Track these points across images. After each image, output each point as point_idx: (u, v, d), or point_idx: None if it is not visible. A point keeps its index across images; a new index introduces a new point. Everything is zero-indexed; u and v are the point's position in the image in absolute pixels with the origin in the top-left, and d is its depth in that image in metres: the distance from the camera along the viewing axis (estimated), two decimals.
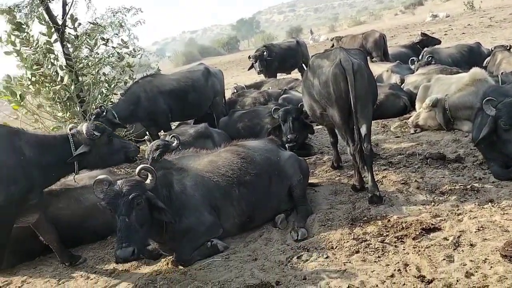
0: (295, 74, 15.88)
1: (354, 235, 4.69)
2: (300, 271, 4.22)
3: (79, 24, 9.12)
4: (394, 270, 3.96)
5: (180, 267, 4.68)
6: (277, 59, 14.50)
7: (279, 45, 15.47)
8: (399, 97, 9.36)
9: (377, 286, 3.79)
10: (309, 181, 6.14)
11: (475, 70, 7.49)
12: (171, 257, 4.87)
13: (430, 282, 3.72)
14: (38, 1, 8.80)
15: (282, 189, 5.45)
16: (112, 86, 9.55)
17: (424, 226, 4.58)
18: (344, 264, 4.21)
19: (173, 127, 9.36)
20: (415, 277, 3.80)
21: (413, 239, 4.41)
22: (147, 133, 9.22)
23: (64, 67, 8.70)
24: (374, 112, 6.12)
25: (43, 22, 8.74)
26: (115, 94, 9.71)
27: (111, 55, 9.54)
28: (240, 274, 4.33)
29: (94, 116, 7.92)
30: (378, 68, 11.19)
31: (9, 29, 8.34)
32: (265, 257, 4.59)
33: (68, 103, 8.69)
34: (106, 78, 9.51)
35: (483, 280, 3.63)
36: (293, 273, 4.19)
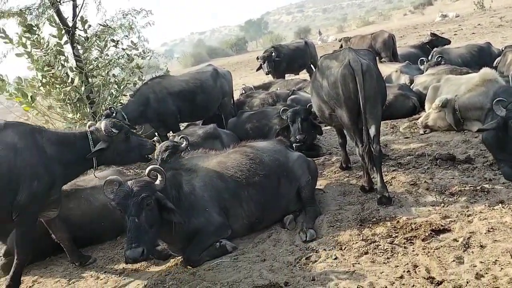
0: (304, 74, 15.87)
1: (363, 236, 4.68)
2: (309, 272, 4.22)
3: (89, 26, 9.21)
4: (403, 271, 3.94)
5: (189, 267, 4.70)
6: (286, 60, 14.50)
7: (287, 46, 15.48)
8: (408, 98, 9.31)
9: (386, 287, 3.78)
10: (317, 183, 6.14)
11: (485, 71, 7.41)
12: (180, 257, 4.90)
13: (439, 283, 3.70)
14: (49, 4, 8.89)
15: (291, 190, 5.45)
16: (122, 87, 9.62)
17: (433, 227, 4.56)
18: (353, 265, 4.20)
19: (181, 128, 9.39)
20: (425, 278, 3.79)
21: (423, 240, 4.39)
22: (156, 134, 9.28)
23: (74, 69, 8.78)
24: (383, 113, 6.09)
25: (54, 24, 8.84)
26: (124, 95, 9.79)
27: (120, 57, 9.60)
28: (248, 274, 4.34)
29: (104, 117, 7.98)
30: (387, 69, 11.14)
31: (20, 31, 8.44)
32: (273, 258, 4.59)
33: (78, 104, 8.77)
34: (116, 80, 9.59)
35: (493, 281, 3.61)
36: (302, 274, 4.19)
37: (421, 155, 6.82)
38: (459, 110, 7.29)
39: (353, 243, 4.59)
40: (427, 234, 4.46)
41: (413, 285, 3.73)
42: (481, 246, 4.12)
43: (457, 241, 4.28)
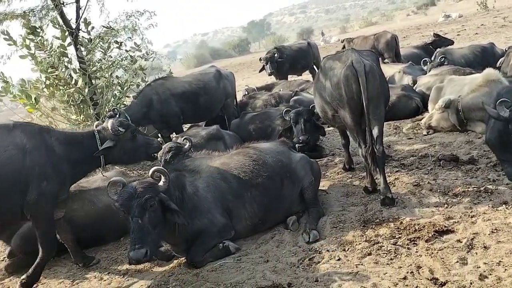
0: (306, 75, 15.87)
1: (366, 237, 4.68)
2: (312, 273, 4.23)
3: (93, 27, 9.24)
4: (407, 272, 3.94)
5: (193, 268, 4.71)
6: (288, 60, 14.49)
7: (290, 47, 15.48)
8: (412, 98, 9.30)
9: None
10: (320, 184, 6.14)
11: (489, 71, 7.41)
12: (183, 258, 4.91)
13: (443, 284, 3.70)
14: (52, 6, 8.93)
15: (294, 191, 5.45)
16: (125, 89, 9.65)
17: (437, 228, 4.55)
18: (356, 266, 4.20)
19: (184, 129, 9.41)
20: (428, 279, 3.78)
21: (426, 241, 4.39)
22: (160, 135, 9.29)
23: (77, 70, 8.82)
24: (386, 114, 6.09)
25: (57, 26, 8.87)
26: (127, 96, 9.81)
27: (124, 59, 9.63)
28: (252, 275, 4.34)
29: (107, 118, 8.00)
30: (390, 69, 11.13)
31: (24, 33, 8.48)
32: (277, 259, 4.60)
33: (81, 106, 8.80)
34: (119, 81, 9.62)
35: (497, 282, 3.60)
36: (305, 275, 4.20)
37: (424, 156, 6.81)
38: (462, 110, 7.28)
39: (356, 244, 4.58)
40: (430, 235, 4.46)
41: (417, 286, 3.73)
42: (485, 247, 4.11)
43: (461, 242, 4.27)
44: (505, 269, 3.74)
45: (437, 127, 7.82)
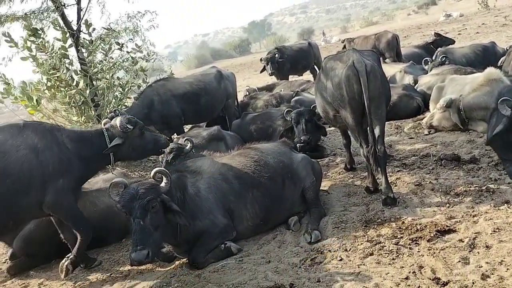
0: (307, 75, 15.87)
1: (368, 237, 4.67)
2: (314, 273, 4.22)
3: (94, 29, 9.25)
4: (409, 272, 3.93)
5: (194, 269, 4.71)
6: (289, 61, 14.50)
7: (290, 47, 15.49)
8: (413, 98, 9.30)
9: None
10: (321, 184, 6.13)
11: (490, 70, 7.38)
12: (185, 259, 4.91)
13: (445, 284, 3.69)
14: (53, 7, 8.94)
15: (295, 192, 5.45)
16: (126, 90, 9.66)
17: (439, 228, 4.55)
18: (358, 267, 4.19)
19: (186, 130, 9.42)
20: (430, 279, 3.78)
21: (428, 241, 4.38)
22: None
23: (79, 72, 8.83)
24: (388, 113, 6.09)
25: (58, 28, 8.89)
26: (129, 98, 9.83)
27: (125, 60, 9.65)
28: (253, 276, 4.34)
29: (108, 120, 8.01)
30: (391, 69, 11.13)
31: (25, 35, 8.50)
32: (278, 260, 4.59)
33: (83, 107, 8.81)
34: (120, 82, 9.63)
35: (499, 282, 3.59)
36: (307, 276, 4.19)
37: (426, 156, 6.80)
38: (464, 110, 7.26)
39: (358, 244, 4.58)
40: (432, 235, 4.45)
41: (419, 286, 3.72)
42: (487, 246, 4.11)
43: (463, 241, 4.26)
44: (507, 269, 3.73)
45: (438, 126, 7.81)
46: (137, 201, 4.28)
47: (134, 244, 4.18)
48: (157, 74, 10.69)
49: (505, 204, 4.85)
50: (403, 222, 4.84)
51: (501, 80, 7.01)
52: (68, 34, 8.81)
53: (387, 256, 4.26)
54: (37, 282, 5.26)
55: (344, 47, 15.35)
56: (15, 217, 4.78)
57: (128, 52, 9.67)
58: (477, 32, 21.80)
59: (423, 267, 3.98)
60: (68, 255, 5.08)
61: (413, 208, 5.20)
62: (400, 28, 32.36)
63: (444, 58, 10.79)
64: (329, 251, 4.58)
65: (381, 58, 7.70)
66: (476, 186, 5.43)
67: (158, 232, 4.38)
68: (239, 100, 11.04)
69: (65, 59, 8.68)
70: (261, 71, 15.08)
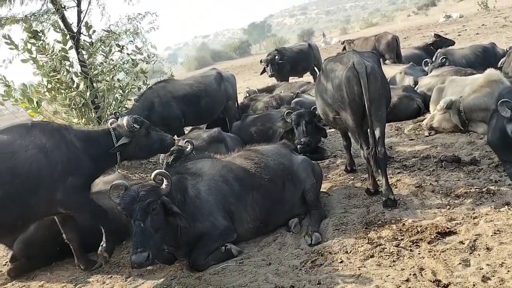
0: (307, 77, 15.87)
1: (368, 239, 4.67)
2: (315, 275, 4.22)
3: (94, 31, 9.25)
4: (410, 274, 3.93)
5: (195, 271, 4.70)
6: (289, 62, 14.49)
7: (290, 49, 15.48)
8: (413, 99, 9.30)
9: None
10: (322, 186, 6.13)
11: (490, 71, 7.40)
12: (185, 261, 4.91)
13: (446, 286, 3.69)
14: (54, 10, 8.95)
15: (296, 194, 5.45)
16: (126, 92, 9.66)
17: (439, 230, 4.55)
18: (359, 269, 4.19)
19: (186, 132, 9.42)
20: (431, 281, 3.78)
21: (429, 243, 4.38)
22: None
23: (79, 74, 8.83)
24: (388, 115, 6.09)
25: (58, 30, 8.89)
26: (129, 100, 9.82)
27: (125, 62, 9.65)
28: (254, 278, 4.34)
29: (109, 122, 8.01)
30: (391, 70, 11.13)
31: (25, 37, 8.50)
32: (279, 262, 4.59)
33: (83, 109, 8.81)
34: (120, 84, 9.63)
35: (500, 284, 3.59)
36: (308, 278, 4.19)
37: (426, 157, 6.80)
38: (464, 111, 7.27)
39: (358, 246, 4.58)
40: (433, 237, 4.45)
41: None
42: (488, 248, 4.11)
43: (463, 243, 4.26)
44: (508, 271, 3.73)
45: (438, 128, 7.81)
46: (138, 203, 4.28)
47: (135, 247, 4.17)
48: (157, 76, 10.68)
49: (506, 206, 4.84)
50: (404, 224, 4.84)
51: (501, 81, 7.01)
52: (68, 36, 8.81)
53: (388, 258, 4.26)
54: (38, 285, 5.25)
55: (344, 48, 15.36)
56: (24, 217, 4.79)
57: (128, 54, 9.67)
58: (477, 33, 21.80)
59: (424, 269, 3.98)
60: (101, 243, 5.16)
61: (414, 210, 5.20)
62: (400, 29, 32.36)
63: (444, 59, 10.80)
64: (330, 253, 4.58)
65: (381, 60, 7.71)
66: (476, 188, 5.43)
67: (159, 234, 4.37)
68: (239, 101, 11.03)
69: (66, 61, 8.68)
70: (261, 73, 15.08)
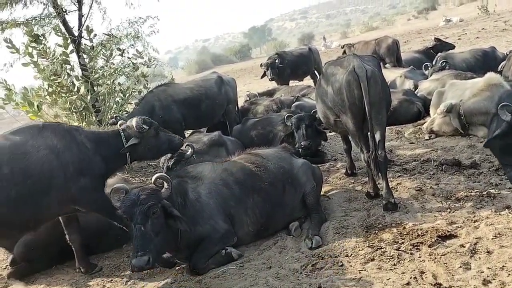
0: (308, 81, 15.89)
1: (369, 242, 4.67)
2: (315, 279, 4.21)
3: (95, 35, 9.28)
4: (410, 278, 3.93)
5: (195, 275, 4.70)
6: (290, 66, 14.53)
7: (291, 52, 15.52)
8: (413, 103, 9.31)
9: None
10: (322, 189, 6.13)
11: (490, 75, 7.39)
12: (186, 265, 4.90)
13: None
14: (55, 14, 8.98)
15: (296, 197, 5.45)
16: (127, 95, 9.68)
17: (440, 233, 4.55)
18: (359, 272, 4.19)
19: (186, 136, 9.42)
20: (432, 285, 3.77)
21: (429, 246, 4.38)
22: None
23: (80, 78, 8.85)
24: (388, 118, 6.10)
25: (60, 34, 8.91)
26: (129, 103, 9.84)
27: (126, 65, 9.67)
28: (254, 282, 4.33)
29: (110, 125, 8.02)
30: (391, 74, 11.14)
31: (26, 41, 8.52)
32: (279, 265, 4.59)
33: (84, 113, 8.82)
34: (121, 88, 9.65)
35: (501, 287, 3.58)
36: (308, 281, 4.18)
37: (426, 161, 6.80)
38: (464, 115, 7.26)
39: (359, 250, 4.57)
40: (433, 240, 4.44)
41: None
42: (488, 252, 4.10)
43: (464, 247, 4.26)
44: (509, 274, 3.72)
45: (439, 131, 7.81)
46: (138, 207, 4.29)
47: (135, 250, 4.18)
48: (158, 80, 10.72)
49: (506, 209, 4.85)
50: (404, 228, 4.84)
51: (501, 85, 7.01)
52: (69, 40, 8.83)
53: (388, 262, 4.26)
54: None
55: (344, 52, 15.38)
56: (36, 217, 4.84)
57: (129, 58, 9.70)
58: (477, 37, 21.84)
59: (424, 272, 3.98)
60: None
61: (414, 213, 5.20)
62: (400, 33, 32.44)
63: (444, 63, 10.81)
64: (330, 256, 4.58)
65: (381, 63, 7.73)
66: (477, 191, 5.43)
67: (159, 238, 4.37)
68: (239, 105, 11.05)
69: (66, 65, 8.70)
70: (262, 77, 15.10)
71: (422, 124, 8.43)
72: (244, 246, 5.14)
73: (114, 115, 8.49)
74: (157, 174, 4.63)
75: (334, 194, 6.24)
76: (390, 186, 5.58)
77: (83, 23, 9.17)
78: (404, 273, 4.03)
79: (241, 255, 4.92)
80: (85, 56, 9.00)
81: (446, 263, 4.06)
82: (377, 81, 5.50)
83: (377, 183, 5.80)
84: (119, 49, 9.59)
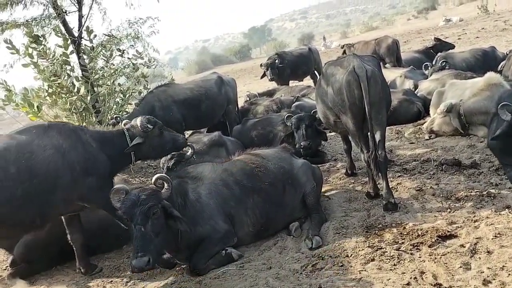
0: (308, 81, 15.89)
1: (369, 243, 4.67)
2: (315, 279, 4.21)
3: (95, 35, 9.28)
4: (410, 278, 3.92)
5: (195, 276, 4.70)
6: (289, 66, 14.53)
7: (291, 53, 15.52)
8: (413, 103, 9.31)
9: None
10: (322, 189, 6.13)
11: (490, 75, 7.39)
12: (186, 266, 4.90)
13: None
14: (55, 14, 8.98)
15: (296, 197, 5.45)
16: (127, 96, 9.68)
17: (440, 233, 4.54)
18: (360, 272, 4.18)
19: (186, 136, 9.42)
20: (432, 285, 3.77)
21: (429, 246, 4.37)
22: None
23: (80, 78, 8.85)
24: (388, 118, 6.09)
25: (60, 35, 8.91)
26: (130, 104, 9.85)
27: (126, 66, 9.68)
28: (255, 283, 4.33)
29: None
30: (391, 74, 11.14)
31: (26, 41, 8.52)
32: (279, 266, 4.59)
33: (84, 114, 8.82)
34: (121, 89, 9.65)
35: (501, 287, 3.58)
36: (308, 282, 4.18)
37: (426, 161, 6.80)
38: (464, 114, 7.25)
39: (359, 250, 4.57)
40: (433, 240, 4.44)
41: None
42: (488, 251, 4.10)
43: (464, 247, 4.26)
44: (509, 274, 3.72)
45: (439, 131, 7.81)
46: (138, 208, 4.28)
47: (135, 251, 4.17)
48: (158, 80, 10.72)
49: (506, 209, 4.84)
50: (404, 228, 4.84)
51: (501, 84, 7.01)
52: (69, 41, 8.83)
53: (389, 262, 4.25)
54: None
55: (344, 52, 15.38)
56: (42, 215, 4.86)
57: (129, 59, 9.70)
58: (477, 37, 21.84)
59: (425, 272, 3.98)
60: None
61: (414, 213, 5.20)
62: (400, 33, 32.43)
63: (444, 63, 10.81)
64: (330, 257, 4.57)
65: (381, 63, 7.72)
66: (477, 191, 5.43)
67: (159, 238, 4.37)
68: (239, 105, 11.05)
69: (67, 66, 8.70)
70: (262, 77, 15.10)
71: (422, 124, 8.43)
72: (244, 246, 5.14)
73: (114, 116, 8.50)
74: (157, 175, 4.63)
75: (334, 194, 6.23)
76: (390, 186, 5.57)
77: (83, 23, 9.18)
78: (404, 273, 4.03)
79: (241, 256, 4.92)
80: (85, 56, 9.01)
81: (446, 263, 4.06)
82: (377, 81, 5.50)
83: (377, 183, 5.80)
84: (119, 50, 9.59)
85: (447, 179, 6.00)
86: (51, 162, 4.75)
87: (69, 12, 9.15)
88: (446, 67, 10.59)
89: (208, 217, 4.91)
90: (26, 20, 9.35)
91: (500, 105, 5.46)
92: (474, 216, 4.84)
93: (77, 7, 9.22)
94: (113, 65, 9.55)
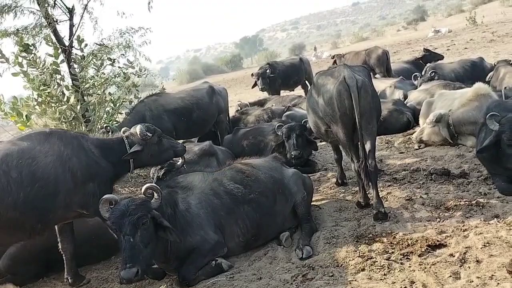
0: (299, 91, 15.97)
1: (359, 252, 4.66)
2: None
3: (86, 45, 9.25)
4: (400, 287, 3.92)
5: (185, 286, 4.65)
6: (281, 76, 14.60)
7: (282, 63, 15.61)
8: (403, 113, 9.38)
9: None
10: (313, 199, 6.13)
11: (478, 85, 7.50)
12: (175, 277, 4.85)
13: None
14: (46, 23, 8.95)
15: (287, 207, 5.44)
16: (117, 105, 9.62)
17: (429, 243, 4.55)
18: (350, 282, 4.17)
19: None
20: None
21: (419, 256, 4.38)
22: None
23: (70, 87, 8.79)
24: (378, 128, 6.12)
25: (50, 44, 8.86)
26: (120, 113, 9.79)
27: (117, 75, 9.64)
28: None
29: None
30: (381, 84, 11.24)
31: (16, 50, 8.47)
32: (270, 276, 4.56)
33: (73, 123, 8.75)
34: (112, 98, 9.60)
35: None
36: None
37: (416, 170, 6.84)
38: (453, 124, 7.35)
39: (349, 260, 4.56)
40: (423, 250, 4.45)
41: None
42: (477, 261, 4.11)
43: (453, 256, 4.27)
44: (498, 283, 3.73)
45: (428, 141, 7.88)
46: (127, 218, 4.23)
47: (124, 262, 4.12)
48: (149, 90, 10.69)
49: (495, 218, 4.87)
50: (394, 237, 4.84)
51: (490, 95, 7.11)
52: (60, 50, 8.79)
53: (379, 272, 4.25)
54: None
55: (335, 62, 15.49)
56: (43, 221, 4.83)
57: (120, 68, 9.67)
58: (466, 48, 22.13)
59: (415, 282, 3.97)
60: None
61: (404, 223, 5.21)
62: (390, 44, 32.75)
63: (433, 73, 10.94)
64: (321, 267, 4.56)
65: (371, 74, 7.79)
66: (466, 201, 5.46)
67: (148, 249, 4.32)
68: (230, 115, 11.06)
69: (57, 75, 8.64)
70: (253, 86, 15.15)
71: (412, 134, 8.50)
72: (234, 256, 5.10)
73: (104, 125, 8.45)
74: (147, 185, 4.58)
75: (324, 204, 6.23)
76: (380, 196, 5.59)
77: (74, 33, 9.14)
78: (394, 283, 4.03)
79: (231, 266, 4.88)
80: (75, 65, 8.97)
81: (436, 272, 4.06)
82: (368, 91, 5.53)
83: (367, 192, 5.81)
84: (109, 59, 9.56)
85: (437, 188, 6.03)
86: (53, 168, 4.77)
87: (60, 21, 9.12)
88: (435, 78, 10.72)
89: (198, 227, 4.87)
90: (17, 29, 9.29)
91: (489, 115, 5.54)
92: (463, 226, 4.86)
93: (68, 16, 9.20)
94: (104, 74, 9.50)
